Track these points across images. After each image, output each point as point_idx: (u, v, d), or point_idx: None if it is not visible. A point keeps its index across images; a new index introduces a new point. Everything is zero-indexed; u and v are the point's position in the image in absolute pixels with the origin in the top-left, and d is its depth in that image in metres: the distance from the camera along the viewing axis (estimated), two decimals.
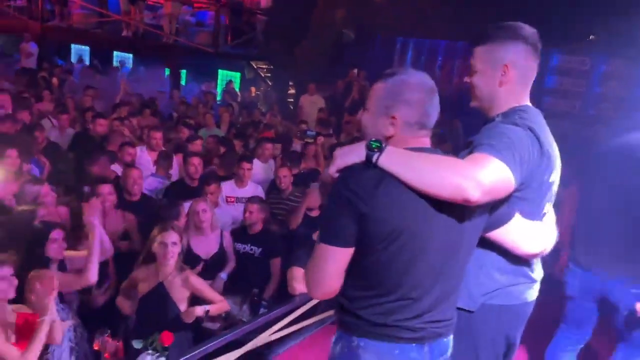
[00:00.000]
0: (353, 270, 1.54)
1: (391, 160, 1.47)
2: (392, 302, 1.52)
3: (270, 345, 3.10)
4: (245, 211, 4.20)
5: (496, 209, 1.67)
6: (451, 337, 1.68)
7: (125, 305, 3.27)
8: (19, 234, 3.50)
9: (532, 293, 1.89)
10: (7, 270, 2.55)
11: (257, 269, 4.09)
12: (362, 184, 1.46)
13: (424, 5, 9.98)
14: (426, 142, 1.60)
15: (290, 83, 12.42)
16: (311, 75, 10.57)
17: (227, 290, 3.87)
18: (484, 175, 1.47)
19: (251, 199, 4.34)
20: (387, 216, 1.45)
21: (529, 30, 1.79)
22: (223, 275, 3.97)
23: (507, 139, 1.60)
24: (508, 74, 1.78)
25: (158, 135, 5.46)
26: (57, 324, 2.58)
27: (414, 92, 1.54)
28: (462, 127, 7.77)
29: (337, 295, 1.59)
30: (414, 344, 1.56)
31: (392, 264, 1.50)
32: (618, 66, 8.16)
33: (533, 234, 1.78)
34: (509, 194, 1.63)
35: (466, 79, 1.89)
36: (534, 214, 1.80)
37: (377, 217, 1.45)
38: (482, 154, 1.55)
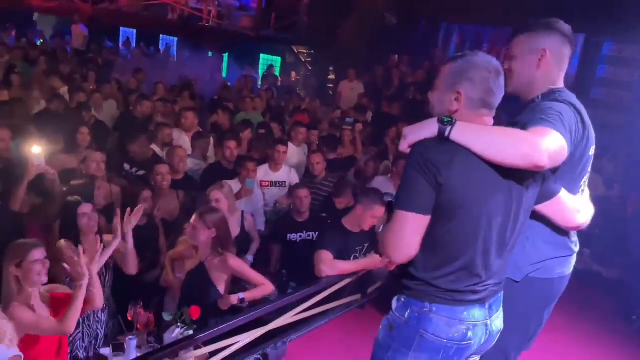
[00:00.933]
0: (424, 240, 1.65)
1: (463, 133, 1.58)
2: (460, 270, 1.66)
3: (293, 326, 3.15)
4: (295, 198, 4.19)
5: (546, 182, 1.81)
6: (502, 292, 1.84)
7: (170, 279, 3.41)
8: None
9: (569, 266, 2.05)
10: (41, 253, 2.46)
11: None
12: (437, 156, 1.57)
13: None
14: (489, 121, 1.71)
15: (331, 68, 12.38)
16: (352, 60, 10.48)
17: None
18: (548, 142, 1.61)
19: (298, 185, 4.37)
20: (459, 187, 1.58)
21: (565, 25, 1.98)
22: (249, 257, 4.05)
23: (556, 113, 1.76)
24: (545, 58, 1.94)
25: (190, 115, 5.57)
26: (96, 289, 2.56)
27: (479, 71, 1.66)
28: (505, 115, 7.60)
29: (406, 265, 1.71)
30: (477, 305, 1.72)
31: (461, 234, 1.63)
32: None
33: (577, 207, 1.94)
34: (557, 167, 1.77)
35: (505, 66, 1.95)
36: (574, 186, 1.96)
37: (450, 188, 1.57)
38: (538, 127, 1.69)
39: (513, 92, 2.00)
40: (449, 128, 1.58)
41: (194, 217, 3.07)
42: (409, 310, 1.71)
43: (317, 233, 4.09)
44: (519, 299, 1.93)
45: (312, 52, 12.76)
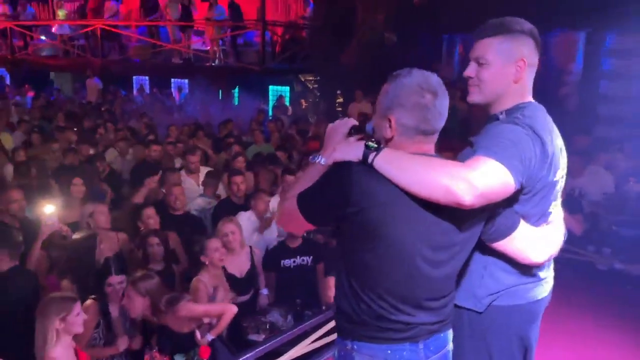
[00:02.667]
0: (344, 272, 1.57)
1: (387, 162, 1.47)
2: (382, 303, 1.53)
3: (308, 356, 3.13)
4: None
5: (500, 217, 1.64)
6: (449, 332, 1.68)
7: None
8: (78, 262, 3.78)
9: (541, 290, 1.83)
10: (79, 306, 2.69)
11: (312, 278, 4.17)
12: (353, 180, 1.47)
13: (466, 0, 9.75)
14: (427, 149, 1.57)
15: (338, 92, 12.50)
16: (357, 82, 10.59)
17: (272, 304, 3.97)
18: (477, 177, 1.45)
19: None
20: (374, 217, 1.46)
21: (531, 25, 1.74)
22: (264, 291, 4.08)
23: (507, 140, 1.56)
24: (522, 69, 1.71)
25: (194, 158, 5.65)
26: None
27: (411, 96, 1.51)
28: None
29: (334, 302, 1.64)
30: (407, 343, 1.57)
31: (380, 265, 1.51)
32: None
33: (539, 243, 1.73)
34: (513, 198, 1.59)
35: (468, 73, 1.77)
36: (540, 215, 1.75)
37: (364, 217, 1.46)
38: (479, 156, 1.52)
39: (480, 103, 1.79)
40: (373, 155, 1.49)
41: (128, 286, 3.08)
42: (336, 350, 1.66)
43: (311, 257, 4.13)
44: (489, 328, 1.76)
45: (319, 78, 12.93)
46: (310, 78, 13.15)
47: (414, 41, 11.24)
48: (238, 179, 4.86)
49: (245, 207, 4.68)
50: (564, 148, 1.76)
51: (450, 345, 1.69)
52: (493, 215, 1.64)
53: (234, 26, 12.51)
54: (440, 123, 1.56)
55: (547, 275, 1.86)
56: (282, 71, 13.02)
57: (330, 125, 1.73)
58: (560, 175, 1.74)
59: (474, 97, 1.79)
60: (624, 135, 6.32)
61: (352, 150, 1.54)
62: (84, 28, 13.57)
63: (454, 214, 1.51)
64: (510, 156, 1.52)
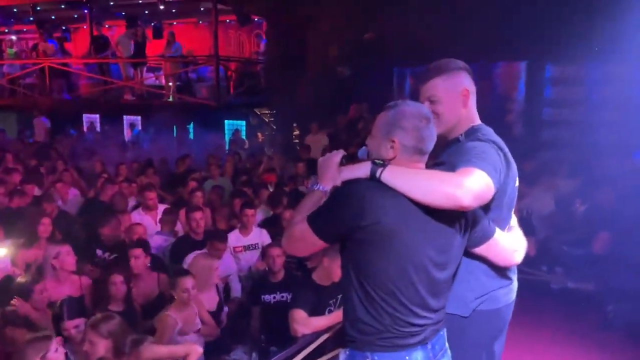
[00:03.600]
0: (357, 283, 1.71)
1: (393, 175, 1.69)
2: (398, 306, 1.69)
3: None
4: (268, 257, 4.14)
5: (480, 224, 1.87)
6: (445, 330, 1.86)
7: None
8: None
9: (513, 293, 2.08)
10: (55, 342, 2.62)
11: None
12: (366, 194, 1.67)
13: (415, 35, 10.16)
14: (421, 167, 1.82)
15: (294, 124, 12.63)
16: (313, 114, 10.76)
17: (235, 339, 3.88)
18: (472, 182, 1.69)
19: (271, 245, 4.32)
20: (388, 226, 1.65)
21: (463, 62, 2.08)
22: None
23: (481, 153, 1.83)
24: (467, 96, 2.04)
25: (152, 195, 5.56)
26: None
27: (411, 120, 1.77)
28: None
29: (345, 317, 1.78)
30: (419, 346, 1.74)
31: (394, 270, 1.69)
32: (612, 71, 8.15)
33: (513, 246, 1.99)
34: (487, 206, 1.83)
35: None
36: (504, 219, 2.01)
37: (378, 227, 1.64)
38: (465, 167, 1.75)
39: (442, 133, 2.04)
40: (380, 170, 1.70)
41: (87, 329, 2.98)
42: None
43: (290, 294, 4.03)
44: (468, 334, 1.95)
45: (274, 111, 13.04)
46: (266, 111, 13.24)
47: (366, 74, 11.59)
48: (197, 214, 4.79)
49: (204, 244, 4.59)
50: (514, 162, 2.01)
51: (447, 344, 1.87)
52: (475, 222, 1.87)
53: (189, 62, 12.52)
54: (432, 145, 1.82)
55: (514, 278, 2.09)
56: (238, 106, 13.05)
57: (321, 159, 1.95)
58: (516, 185, 2.04)
59: (438, 129, 1.99)
60: (565, 158, 6.67)
61: (359, 169, 1.76)
62: (33, 66, 13.24)
63: (452, 219, 1.75)
64: (487, 165, 1.77)
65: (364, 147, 1.92)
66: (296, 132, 12.59)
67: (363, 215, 1.64)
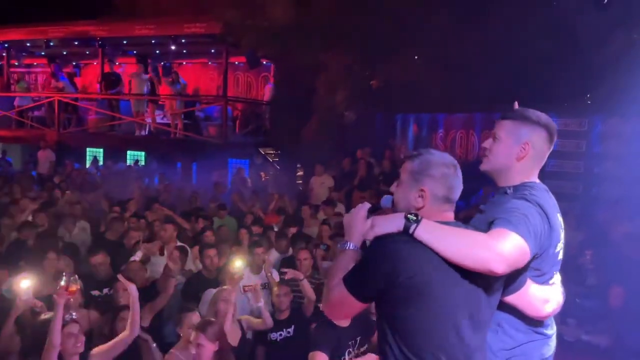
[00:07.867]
0: (392, 338, 1.68)
1: (427, 232, 1.66)
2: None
3: None
4: (276, 296, 4.18)
5: (513, 276, 1.82)
6: None
7: None
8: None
9: (548, 349, 2.02)
10: None
11: (296, 349, 3.98)
12: (401, 251, 1.65)
13: (420, 85, 10.45)
14: (450, 216, 1.80)
15: (298, 165, 12.75)
16: (317, 156, 10.88)
17: None
18: (507, 249, 1.67)
19: (279, 284, 4.35)
20: (423, 282, 1.63)
21: (549, 119, 1.99)
22: None
23: (522, 215, 1.78)
24: (526, 151, 1.95)
25: (170, 227, 5.56)
26: None
27: (439, 168, 1.76)
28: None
29: None
30: None
31: (429, 325, 1.65)
32: (614, 124, 8.38)
33: (544, 297, 1.95)
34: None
35: (485, 144, 2.04)
36: (544, 282, 1.97)
37: (414, 282, 1.62)
38: (502, 229, 1.72)
39: (486, 171, 2.03)
40: (414, 225, 1.66)
41: (194, 334, 2.97)
42: None
43: (293, 327, 4.08)
44: None
45: (279, 152, 13.18)
46: (271, 152, 13.37)
47: (371, 120, 11.83)
48: (211, 252, 4.79)
49: (217, 281, 4.59)
50: (563, 224, 2.00)
51: None
52: (510, 277, 1.82)
53: (197, 101, 12.71)
54: (459, 193, 1.80)
55: (552, 333, 2.05)
56: (244, 145, 13.20)
57: (347, 215, 1.91)
58: (561, 247, 2.00)
59: (484, 165, 2.04)
60: (570, 210, 6.75)
61: (392, 223, 1.71)
62: (44, 99, 13.39)
63: (485, 279, 1.72)
64: (527, 230, 1.73)
65: (388, 196, 1.86)
66: (300, 173, 12.69)
67: (399, 272, 1.62)
